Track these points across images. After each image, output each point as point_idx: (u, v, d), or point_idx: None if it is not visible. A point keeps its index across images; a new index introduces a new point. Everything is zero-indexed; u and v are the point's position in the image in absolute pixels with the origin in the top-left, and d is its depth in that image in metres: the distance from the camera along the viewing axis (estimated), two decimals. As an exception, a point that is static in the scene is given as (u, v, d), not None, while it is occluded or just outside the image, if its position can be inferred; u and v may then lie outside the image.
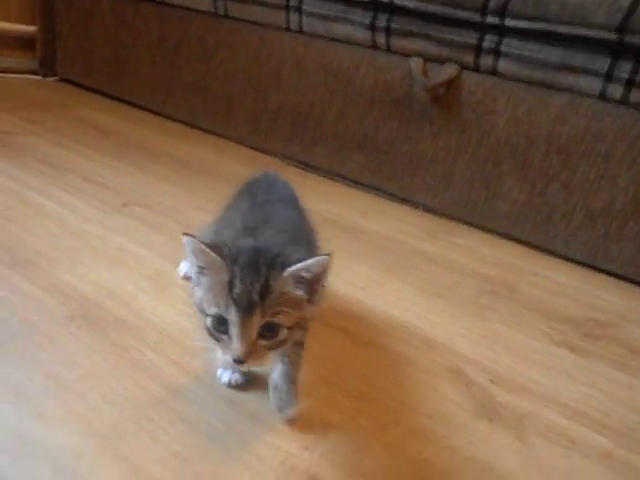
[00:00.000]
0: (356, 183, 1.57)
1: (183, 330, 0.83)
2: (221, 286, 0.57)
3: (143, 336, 0.81)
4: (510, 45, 1.24)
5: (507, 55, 1.25)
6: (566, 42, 1.17)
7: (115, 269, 0.96)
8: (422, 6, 1.31)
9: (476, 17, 1.24)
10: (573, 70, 1.19)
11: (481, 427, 0.73)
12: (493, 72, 1.30)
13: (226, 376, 0.73)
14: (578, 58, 1.17)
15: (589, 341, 0.95)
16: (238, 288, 0.56)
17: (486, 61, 1.29)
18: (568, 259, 1.26)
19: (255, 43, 1.65)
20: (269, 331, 0.58)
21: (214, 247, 0.58)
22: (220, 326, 0.58)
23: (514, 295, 1.08)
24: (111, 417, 0.67)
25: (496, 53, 1.26)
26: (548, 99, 1.25)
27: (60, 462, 0.60)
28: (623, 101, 1.15)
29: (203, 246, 0.58)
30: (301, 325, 0.61)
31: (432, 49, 1.35)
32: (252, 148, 1.73)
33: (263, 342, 0.58)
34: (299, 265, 0.57)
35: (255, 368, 0.70)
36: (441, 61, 1.35)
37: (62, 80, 2.17)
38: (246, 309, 0.56)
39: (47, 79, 2.17)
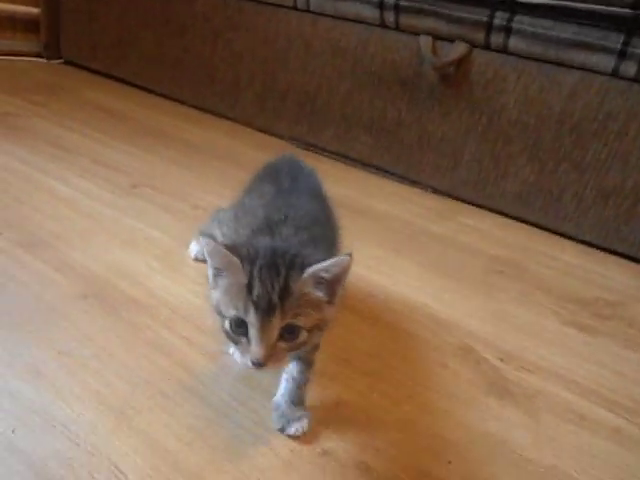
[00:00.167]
0: (364, 164, 1.56)
1: (195, 308, 0.83)
2: (239, 288, 0.56)
3: (156, 314, 0.81)
4: (522, 22, 1.22)
5: (518, 32, 1.23)
6: (580, 18, 1.15)
7: (127, 249, 0.96)
8: (432, -17, 1.28)
9: (487, -7, 1.22)
10: (586, 47, 1.17)
11: (492, 403, 0.74)
12: (504, 50, 1.28)
13: (239, 355, 0.74)
14: (591, 35, 1.15)
15: (598, 320, 0.95)
16: (257, 290, 0.55)
17: (497, 39, 1.27)
18: (578, 240, 1.26)
19: (262, 23, 1.63)
20: (289, 333, 0.56)
21: (231, 248, 0.57)
22: (239, 328, 0.56)
23: (523, 275, 1.08)
24: (126, 393, 0.68)
25: (507, 30, 1.24)
26: (560, 77, 1.23)
27: (77, 436, 0.61)
28: (637, 78, 1.14)
29: (220, 247, 0.56)
30: (320, 327, 0.59)
31: (442, 27, 1.33)
32: (259, 130, 1.72)
33: (283, 345, 0.56)
34: (319, 266, 0.55)
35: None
36: (451, 39, 1.33)
37: (67, 63, 2.16)
38: (266, 311, 0.54)
39: (52, 62, 2.17)
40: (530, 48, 1.24)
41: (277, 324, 0.55)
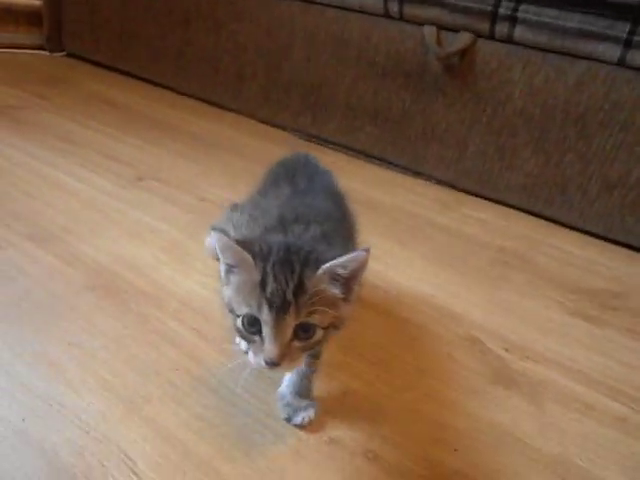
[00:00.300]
0: (368, 156, 1.56)
1: (203, 300, 0.84)
2: (252, 285, 0.54)
3: (164, 306, 0.82)
4: (527, 11, 1.21)
5: (524, 22, 1.22)
6: (585, 7, 1.14)
7: (134, 242, 0.97)
8: (436, -28, 1.27)
9: (492, -17, 1.21)
10: (592, 36, 1.16)
11: (497, 393, 0.74)
12: (509, 40, 1.27)
13: (245, 344, 0.74)
14: (597, 24, 1.14)
15: (604, 311, 0.95)
16: (271, 287, 0.53)
17: (502, 28, 1.26)
18: (583, 231, 1.26)
19: (265, 14, 1.62)
20: (304, 332, 0.54)
21: (244, 244, 0.55)
22: (252, 327, 0.55)
23: (528, 266, 1.08)
24: (135, 383, 0.68)
25: (512, 20, 1.24)
26: (565, 67, 1.23)
27: (87, 424, 0.62)
28: (643, 68, 1.13)
29: (233, 243, 0.54)
30: (336, 325, 0.57)
31: (446, 17, 1.32)
32: (263, 122, 1.72)
33: (297, 344, 0.54)
34: (335, 262, 0.54)
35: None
36: (455, 29, 1.32)
37: (69, 55, 2.16)
38: (280, 309, 0.52)
39: (54, 54, 2.16)
40: (535, 38, 1.23)
41: (291, 322, 0.53)
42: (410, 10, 1.36)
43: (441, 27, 1.34)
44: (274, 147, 1.50)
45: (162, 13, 1.83)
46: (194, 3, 1.75)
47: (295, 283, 0.53)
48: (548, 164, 1.29)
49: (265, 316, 0.53)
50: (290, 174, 0.76)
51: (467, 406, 0.71)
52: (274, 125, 1.70)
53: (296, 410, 0.65)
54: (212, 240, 0.90)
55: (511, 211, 1.32)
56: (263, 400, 0.68)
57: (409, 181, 1.45)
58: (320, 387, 0.70)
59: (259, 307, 0.53)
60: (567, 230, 1.25)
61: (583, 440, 0.68)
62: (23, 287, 0.82)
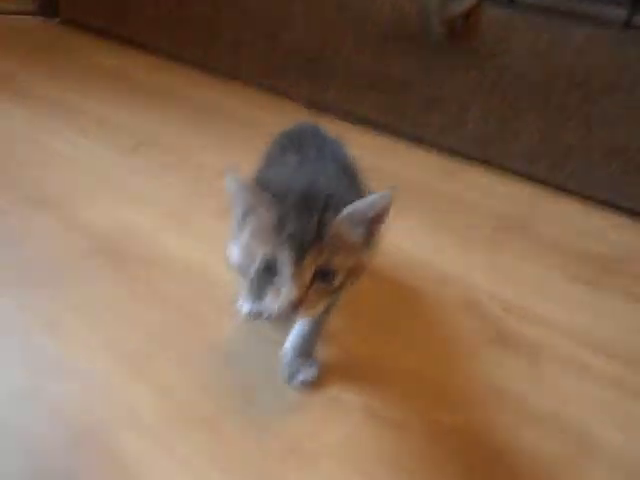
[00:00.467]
0: (369, 123, 1.54)
1: (203, 264, 0.84)
2: (270, 227, 0.51)
3: (164, 269, 0.83)
4: (532, -28, 1.18)
5: (529, -17, 1.19)
6: (592, -34, 1.11)
7: (133, 207, 0.97)
8: None
9: (497, -59, 1.18)
10: (598, -3, 1.13)
11: (495, 353, 0.75)
12: (513, 2, 1.24)
13: (247, 307, 0.75)
14: (604, -16, 1.11)
15: (604, 275, 0.96)
16: (290, 227, 0.50)
17: (506, -10, 1.23)
18: (585, 197, 1.25)
19: (264, -23, 1.58)
20: (323, 276, 0.52)
21: (259, 186, 0.53)
22: (268, 272, 0.52)
23: (529, 232, 1.08)
24: (139, 343, 0.70)
25: (517, -19, 1.21)
26: (570, 30, 1.20)
27: (94, 383, 0.64)
28: (650, 30, 1.10)
29: (247, 185, 0.52)
30: (356, 272, 0.54)
31: (450, -21, 1.29)
32: (263, 89, 1.69)
33: (317, 288, 0.52)
34: (359, 204, 0.52)
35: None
36: (459, -8, 1.29)
37: (64, 22, 2.11)
38: (299, 250, 0.50)
39: (49, 21, 2.11)
40: (540, 0, 1.20)
41: (311, 263, 0.50)
42: (412, -29, 1.33)
43: (444, -11, 1.31)
44: (273, 115, 1.48)
45: (158, -23, 1.79)
46: (191, -34, 1.71)
47: (316, 223, 0.51)
48: (550, 130, 1.28)
49: (283, 257, 0.50)
50: (297, 145, 0.71)
51: (466, 366, 0.72)
52: (274, 93, 1.68)
53: (298, 369, 0.66)
54: (233, 252, 0.81)
55: (513, 177, 1.31)
56: (265, 359, 0.69)
57: (410, 148, 1.44)
58: (321, 348, 0.70)
59: (277, 249, 0.51)
60: (569, 196, 1.25)
61: (579, 399, 0.70)
62: (25, 252, 0.83)
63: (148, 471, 0.55)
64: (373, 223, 0.54)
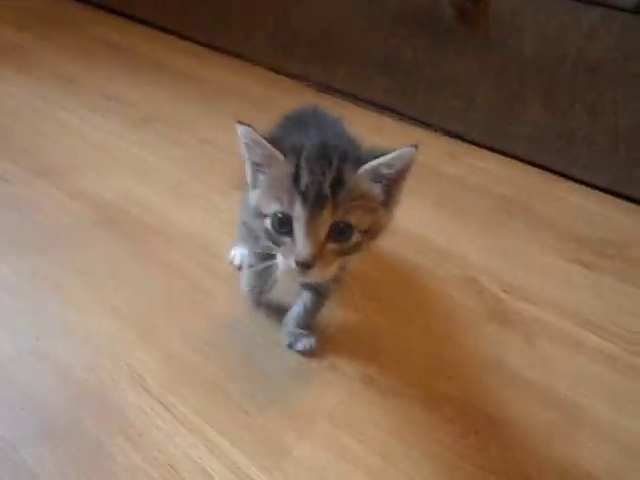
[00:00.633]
0: (377, 106, 1.54)
1: (207, 235, 0.86)
2: (285, 179, 0.49)
3: (170, 240, 0.84)
4: (544, -46, 1.17)
5: (540, -35, 1.18)
6: (604, -51, 1.10)
7: (138, 179, 0.98)
8: None
9: None
10: (609, -19, 1.12)
11: (492, 329, 0.77)
12: (524, -15, 1.23)
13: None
14: (615, -33, 1.10)
15: (602, 258, 0.97)
16: (306, 179, 0.48)
17: (517, -28, 1.22)
18: (588, 183, 1.25)
19: (273, -45, 1.57)
20: (340, 233, 0.49)
21: (273, 139, 0.51)
22: (282, 227, 0.50)
23: (530, 215, 1.08)
24: (143, 309, 0.71)
25: (528, -37, 1.20)
26: (580, 14, 1.19)
27: (98, 344, 0.66)
28: (659, 16, 1.10)
29: (260, 138, 0.50)
30: (373, 233, 0.52)
31: (460, -40, 1.28)
32: (271, 69, 1.69)
33: (332, 246, 0.49)
34: (380, 159, 0.49)
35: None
36: (469, -27, 1.28)
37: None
38: (314, 203, 0.47)
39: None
40: (551, -18, 1.19)
41: (327, 218, 0.48)
42: (423, -48, 1.32)
43: (454, -30, 1.30)
44: (281, 95, 1.48)
45: (167, -47, 1.78)
46: (200, -58, 1.69)
47: (333, 177, 0.48)
48: (556, 115, 1.27)
49: (298, 211, 0.48)
50: (299, 124, 0.69)
51: (462, 340, 0.74)
52: (282, 73, 1.67)
53: (298, 337, 0.68)
54: (239, 251, 0.79)
55: (517, 162, 1.31)
56: (267, 328, 0.71)
57: (417, 131, 1.44)
58: (322, 319, 0.72)
59: (291, 202, 0.48)
60: (572, 182, 1.25)
61: (572, 375, 0.71)
62: (32, 220, 0.84)
63: (149, 427, 0.57)
64: (393, 181, 0.51)
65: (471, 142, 1.41)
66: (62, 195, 0.91)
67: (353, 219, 0.49)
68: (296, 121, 0.70)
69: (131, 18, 1.94)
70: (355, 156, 0.50)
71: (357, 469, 0.56)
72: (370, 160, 0.50)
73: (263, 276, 0.64)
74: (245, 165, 0.54)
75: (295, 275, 0.50)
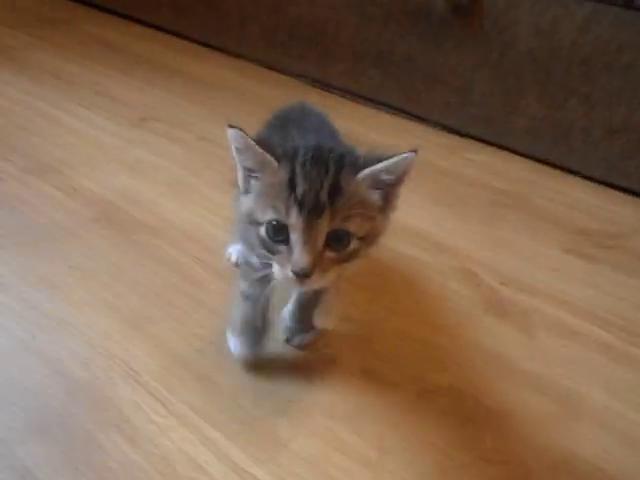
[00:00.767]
0: (372, 101, 1.54)
1: (203, 231, 0.85)
2: (279, 187, 0.47)
3: (164, 235, 0.84)
4: (537, -54, 1.17)
5: (533, -42, 1.18)
6: (597, -59, 1.10)
7: (134, 177, 0.98)
8: None
9: None
10: (602, -27, 1.12)
11: (489, 320, 0.76)
12: (517, -22, 1.23)
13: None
14: (609, -41, 1.10)
15: (599, 249, 0.96)
16: (302, 187, 0.46)
17: (510, -35, 1.22)
18: (584, 175, 1.25)
19: (267, -48, 1.57)
20: (337, 241, 0.48)
21: (266, 143, 0.49)
22: (277, 235, 0.48)
23: (527, 207, 1.08)
24: (137, 304, 0.71)
25: (521, -44, 1.19)
26: (573, 7, 1.19)
27: (92, 339, 0.65)
28: (653, 7, 1.10)
29: (252, 142, 0.48)
30: (371, 239, 0.51)
31: (454, -47, 1.27)
32: (266, 66, 1.68)
33: (330, 254, 0.48)
34: (379, 165, 0.48)
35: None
36: (463, -33, 1.28)
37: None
38: (312, 211, 0.46)
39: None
40: (545, -25, 1.19)
41: (325, 226, 0.47)
42: (416, -54, 1.32)
43: (448, -36, 1.30)
44: (277, 91, 1.48)
45: (160, -49, 1.77)
46: (193, -60, 1.69)
47: (330, 183, 0.47)
48: (552, 108, 1.27)
49: (294, 219, 0.46)
50: (283, 123, 0.68)
51: (459, 331, 0.74)
52: (277, 70, 1.67)
53: (295, 332, 0.67)
54: (236, 248, 0.79)
55: (514, 156, 1.31)
56: (262, 322, 0.70)
57: (414, 126, 1.44)
58: (319, 313, 0.71)
59: (287, 210, 0.46)
60: (568, 174, 1.25)
61: (569, 363, 0.71)
62: (26, 217, 0.84)
63: (143, 422, 0.56)
64: (391, 186, 0.50)
65: (468, 136, 1.40)
66: (56, 192, 0.90)
67: (351, 226, 0.48)
68: (284, 119, 0.68)
69: (126, 17, 1.94)
70: (352, 160, 0.49)
71: (353, 461, 0.55)
72: (369, 165, 0.48)
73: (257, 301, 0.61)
74: (236, 168, 0.52)
75: (292, 284, 0.48)
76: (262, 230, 0.49)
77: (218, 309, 0.71)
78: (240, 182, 0.52)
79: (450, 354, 0.70)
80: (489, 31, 1.31)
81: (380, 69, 1.50)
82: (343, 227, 0.47)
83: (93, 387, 0.59)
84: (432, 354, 0.69)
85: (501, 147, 1.37)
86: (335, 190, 0.47)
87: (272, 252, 0.49)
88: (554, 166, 1.29)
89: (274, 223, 0.48)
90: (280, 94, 1.40)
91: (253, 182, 0.50)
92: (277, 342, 0.68)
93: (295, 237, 0.47)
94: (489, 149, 1.34)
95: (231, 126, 0.48)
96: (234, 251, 0.79)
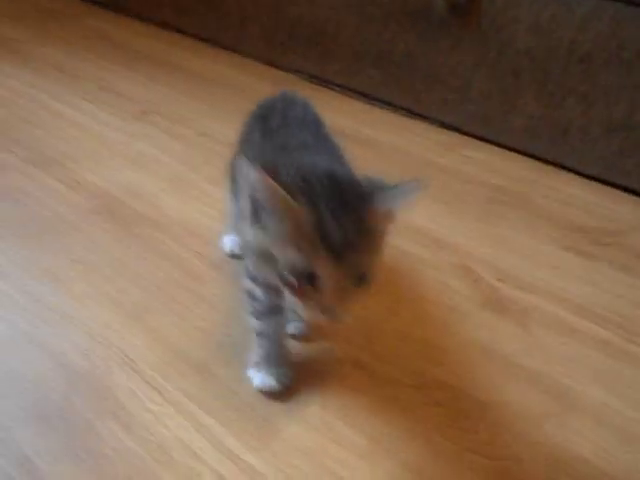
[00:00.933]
0: (371, 98, 1.55)
1: (205, 226, 0.86)
2: (303, 231, 0.44)
3: (166, 230, 0.84)
4: (538, -56, 1.17)
5: (534, -44, 1.18)
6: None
7: (137, 171, 0.98)
8: None
9: None
10: (603, -29, 1.12)
11: (487, 317, 0.77)
12: (518, -24, 1.23)
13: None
14: (610, -43, 1.11)
15: (597, 247, 0.97)
16: (327, 227, 0.44)
17: (512, -37, 1.22)
18: (583, 174, 1.26)
19: (269, -52, 1.57)
20: (362, 279, 0.47)
21: (288, 187, 0.44)
22: (303, 276, 0.45)
23: (525, 204, 1.09)
24: (138, 297, 0.72)
25: (523, -46, 1.20)
26: (573, 4, 1.20)
27: (93, 331, 0.66)
28: (654, 6, 1.10)
29: (275, 185, 0.43)
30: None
31: (455, -49, 1.28)
32: (266, 63, 1.69)
33: (355, 290, 0.47)
34: (389, 193, 0.46)
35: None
36: (464, -35, 1.28)
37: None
38: (341, 254, 0.44)
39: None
40: (545, -28, 1.19)
41: (356, 268, 0.45)
42: (418, -57, 1.32)
43: (449, -38, 1.30)
44: (277, 88, 1.47)
45: (162, -53, 1.78)
46: (195, -64, 1.69)
47: (354, 220, 0.45)
48: (550, 106, 1.28)
49: (324, 263, 0.44)
50: (268, 113, 0.68)
51: (456, 327, 0.74)
52: (277, 67, 1.68)
53: (289, 322, 0.68)
54: (230, 239, 0.80)
55: (512, 154, 1.32)
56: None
57: (412, 123, 1.44)
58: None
59: (314, 252, 0.44)
60: (567, 173, 1.25)
61: (566, 360, 0.71)
62: (28, 209, 0.85)
63: (140, 409, 0.58)
64: (392, 215, 0.49)
65: (466, 134, 1.41)
66: (58, 185, 0.91)
67: (375, 261, 0.47)
68: (269, 109, 0.69)
69: (127, 12, 1.94)
70: (371, 193, 0.46)
71: (347, 451, 0.56)
72: (382, 195, 0.46)
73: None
74: (241, 196, 0.51)
75: (317, 320, 0.48)
76: (282, 266, 0.46)
77: (218, 303, 0.72)
78: (247, 211, 0.49)
79: (446, 349, 0.70)
80: (487, 30, 1.32)
81: (379, 67, 1.51)
82: (366, 265, 0.47)
83: (93, 377, 0.60)
84: (428, 349, 0.70)
85: (499, 145, 1.37)
86: (360, 228, 0.45)
87: (293, 289, 0.47)
88: (552, 164, 1.30)
89: (299, 266, 0.45)
90: (279, 90, 1.40)
91: (266, 217, 0.46)
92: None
93: (325, 281, 0.45)
94: (488, 146, 1.34)
95: (254, 168, 0.44)
96: (228, 241, 0.80)
